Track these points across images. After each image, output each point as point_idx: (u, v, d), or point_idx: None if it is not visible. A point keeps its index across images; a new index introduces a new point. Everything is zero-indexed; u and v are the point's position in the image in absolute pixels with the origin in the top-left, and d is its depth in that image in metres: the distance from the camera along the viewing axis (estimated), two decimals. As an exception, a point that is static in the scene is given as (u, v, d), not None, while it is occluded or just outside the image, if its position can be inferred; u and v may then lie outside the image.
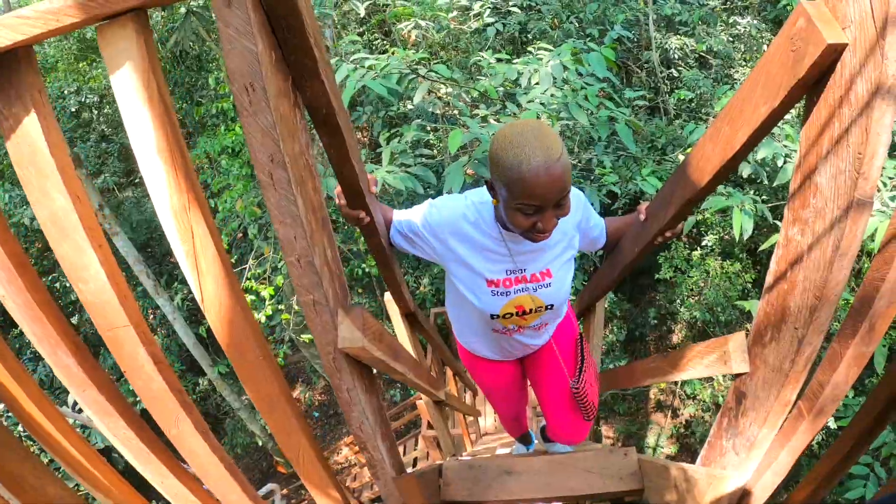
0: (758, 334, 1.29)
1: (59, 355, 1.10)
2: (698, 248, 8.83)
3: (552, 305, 1.86)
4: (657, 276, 9.04)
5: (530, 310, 1.85)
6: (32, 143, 1.02)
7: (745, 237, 4.10)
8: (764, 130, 1.15)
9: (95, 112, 13.46)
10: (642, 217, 1.77)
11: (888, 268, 1.15)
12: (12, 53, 0.96)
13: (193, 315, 10.93)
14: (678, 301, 9.29)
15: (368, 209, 1.49)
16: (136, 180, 13.79)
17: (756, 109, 1.12)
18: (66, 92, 12.32)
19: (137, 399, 1.17)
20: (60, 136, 1.08)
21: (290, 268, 1.00)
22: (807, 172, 1.10)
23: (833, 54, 1.01)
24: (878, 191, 3.89)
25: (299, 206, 0.94)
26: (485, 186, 1.61)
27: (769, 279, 1.24)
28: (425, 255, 1.78)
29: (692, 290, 8.88)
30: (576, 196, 1.77)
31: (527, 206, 1.39)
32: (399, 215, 1.79)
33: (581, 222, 1.85)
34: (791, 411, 1.37)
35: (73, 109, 12.61)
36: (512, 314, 1.84)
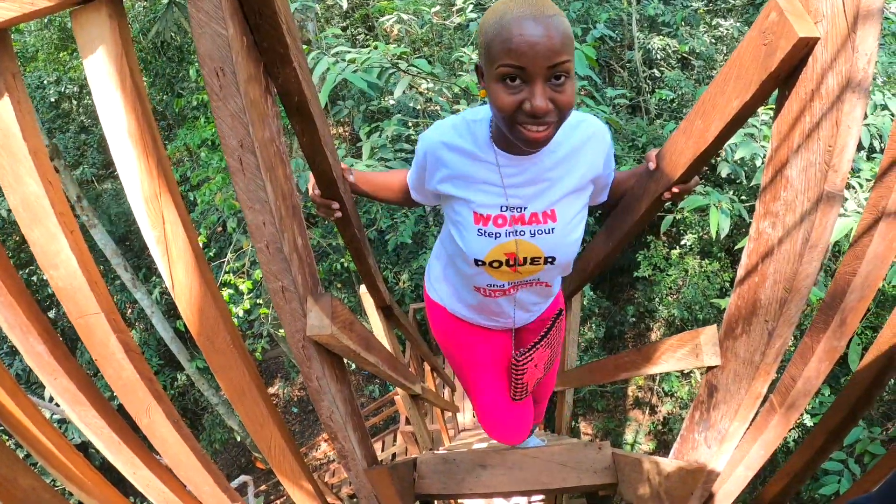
0: (729, 327, 1.30)
1: (31, 342, 1.09)
2: (677, 247, 8.93)
3: (553, 259, 1.52)
4: (636, 273, 9.15)
5: (524, 259, 1.52)
6: (6, 128, 1.00)
7: (723, 236, 4.15)
8: (737, 124, 1.16)
9: (75, 102, 13.32)
10: (652, 165, 1.45)
11: (859, 262, 1.17)
12: (-16, 36, 0.94)
13: (172, 309, 10.84)
14: (657, 299, 9.39)
15: (342, 199, 1.47)
16: (115, 172, 13.61)
17: (729, 103, 1.13)
18: (45, 82, 12.18)
19: (114, 394, 1.16)
20: (34, 120, 1.06)
21: (258, 254, 0.99)
22: (778, 166, 1.11)
23: (805, 48, 1.02)
24: (855, 192, 3.95)
25: (268, 192, 0.93)
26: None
27: (740, 272, 1.25)
28: (433, 198, 1.60)
29: (671, 288, 8.98)
30: (601, 130, 1.45)
31: (509, 71, 1.13)
32: (409, 175, 1.63)
33: (602, 172, 1.51)
34: (763, 405, 1.39)
35: (53, 100, 12.46)
36: (501, 263, 1.52)
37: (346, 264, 8.94)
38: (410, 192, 1.66)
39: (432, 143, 1.44)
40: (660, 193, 1.40)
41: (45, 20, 11.89)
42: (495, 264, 1.52)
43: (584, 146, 1.43)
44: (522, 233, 1.46)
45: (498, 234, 1.46)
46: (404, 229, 7.47)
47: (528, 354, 1.84)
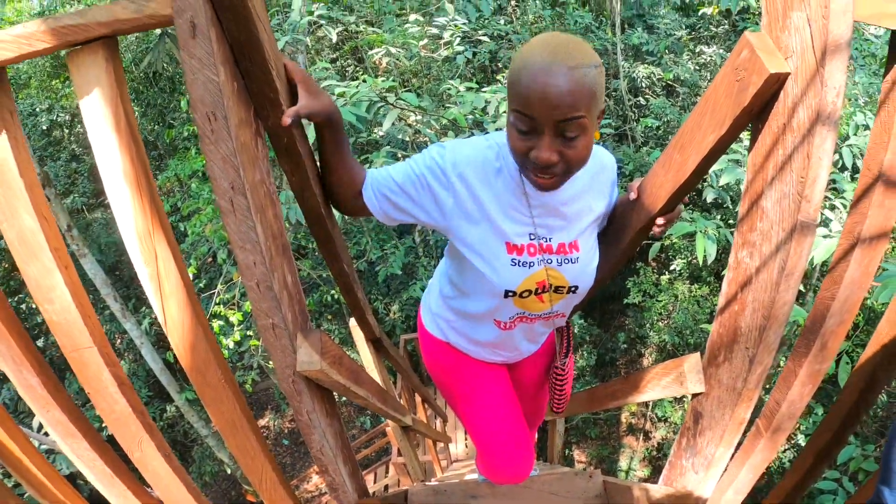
0: (712, 355, 1.33)
1: (24, 374, 1.11)
2: (666, 273, 8.98)
3: (576, 288, 1.49)
4: (626, 300, 9.18)
5: (550, 287, 1.47)
6: (2, 163, 1.03)
7: (710, 261, 4.20)
8: (713, 157, 1.20)
9: (67, 131, 13.33)
10: (633, 196, 1.47)
11: (837, 287, 1.21)
12: (-16, 74, 0.98)
13: (161, 340, 10.75)
14: (648, 325, 9.41)
15: (331, 233, 1.49)
16: (106, 201, 13.61)
17: (705, 137, 1.17)
18: (37, 109, 12.20)
19: (103, 425, 1.17)
20: (29, 156, 1.09)
21: (249, 292, 1.01)
22: (753, 197, 1.15)
23: (776, 83, 1.06)
24: (840, 213, 4.02)
25: (259, 232, 0.96)
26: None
27: (721, 301, 1.28)
28: (420, 214, 1.37)
29: (661, 314, 9.01)
30: (611, 162, 1.45)
31: (520, 118, 1.12)
32: (377, 171, 1.39)
33: (610, 202, 1.52)
34: (749, 429, 1.42)
35: (45, 127, 12.47)
36: (530, 293, 1.46)
37: (336, 296, 8.92)
38: (363, 194, 1.38)
39: (470, 159, 1.32)
40: (642, 225, 1.44)
41: (39, 46, 11.96)
42: (525, 294, 1.46)
43: (599, 177, 1.43)
44: (551, 261, 1.43)
45: (531, 264, 1.41)
46: (394, 260, 7.49)
47: (566, 361, 1.85)
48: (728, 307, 1.26)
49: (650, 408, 9.93)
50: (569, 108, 1.07)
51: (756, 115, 1.13)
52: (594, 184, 1.43)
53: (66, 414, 1.15)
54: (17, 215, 1.05)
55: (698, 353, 1.40)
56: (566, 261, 1.44)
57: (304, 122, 1.17)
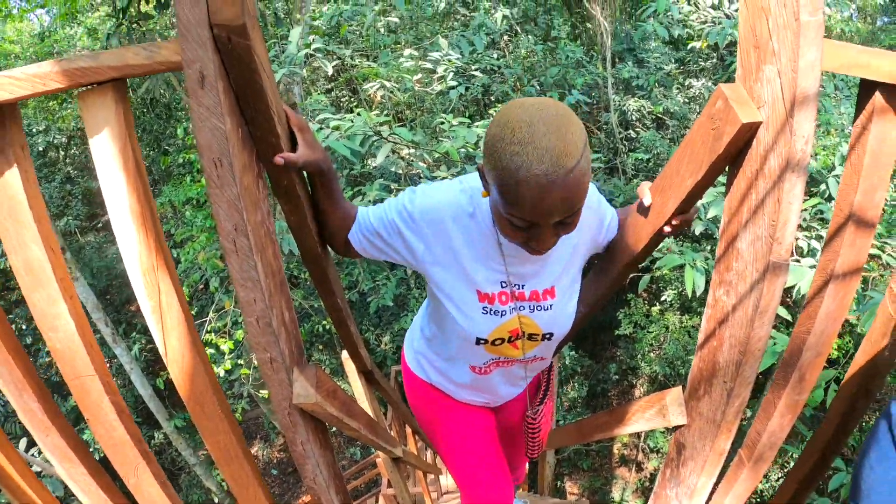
0: (693, 388, 1.38)
1: (25, 399, 1.13)
2: (657, 304, 9.04)
3: (550, 335, 1.48)
4: (617, 332, 9.22)
5: (524, 335, 1.47)
6: (12, 196, 1.07)
7: (700, 292, 4.26)
8: (691, 201, 1.26)
9: (62, 153, 13.35)
10: (647, 202, 1.37)
11: (812, 322, 1.27)
12: (-1, 109, 1.02)
13: (151, 366, 10.70)
14: (639, 356, 9.44)
15: (326, 271, 1.53)
16: (99, 225, 13.59)
17: (683, 182, 1.24)
18: (34, 130, 12.24)
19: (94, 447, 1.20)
20: (38, 189, 1.13)
21: (248, 328, 1.06)
22: (729, 239, 1.21)
23: (749, 132, 1.13)
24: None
25: (259, 270, 1.01)
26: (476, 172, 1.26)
27: (701, 337, 1.33)
28: (396, 257, 1.40)
29: (652, 344, 9.05)
30: (592, 204, 1.41)
31: (519, 220, 1.10)
32: (365, 210, 1.41)
33: (597, 235, 1.49)
34: (732, 459, 1.46)
35: (41, 149, 12.52)
36: (503, 340, 1.46)
37: (327, 326, 8.93)
38: (350, 230, 1.40)
39: (441, 205, 1.31)
40: (627, 261, 1.49)
41: (38, 66, 12.07)
42: (497, 342, 1.45)
43: (584, 220, 1.38)
44: (523, 308, 1.42)
45: (503, 312, 1.40)
46: (385, 292, 7.51)
47: (540, 410, 1.81)
48: (707, 343, 1.31)
49: (642, 439, 9.91)
50: (571, 208, 1.08)
51: (731, 161, 1.19)
52: (581, 227, 1.38)
53: (65, 439, 1.18)
54: (25, 246, 1.09)
55: (679, 387, 1.44)
56: (538, 308, 1.43)
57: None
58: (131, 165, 1.09)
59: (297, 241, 1.35)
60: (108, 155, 1.08)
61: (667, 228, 1.38)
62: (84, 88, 1.07)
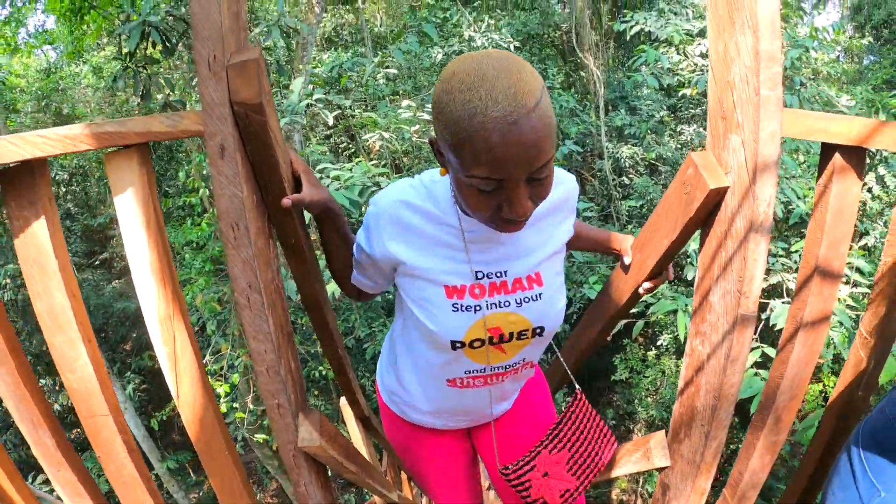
0: (675, 432, 1.45)
1: (40, 434, 1.20)
2: (653, 349, 9.07)
3: (542, 329, 1.30)
4: (613, 377, 9.22)
5: (510, 335, 1.28)
6: (39, 245, 1.16)
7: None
8: (668, 258, 1.36)
9: (63, 189, 13.42)
10: (627, 261, 1.39)
11: (785, 367, 1.36)
12: (30, 165, 1.12)
13: (144, 406, 10.61)
14: (636, 401, 9.42)
15: (327, 319, 1.61)
16: (97, 262, 13.57)
17: (660, 241, 1.34)
18: (36, 166, 12.31)
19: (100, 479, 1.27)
20: (62, 238, 1.22)
21: (259, 376, 1.14)
22: (703, 293, 1.31)
23: (717, 196, 1.23)
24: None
25: (270, 324, 1.10)
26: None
27: (680, 384, 1.42)
28: (382, 278, 1.35)
29: (648, 389, 9.05)
30: (574, 188, 1.31)
31: (484, 182, 0.95)
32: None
33: (567, 217, 1.35)
34: (717, 499, 1.53)
35: (41, 185, 12.54)
36: (483, 341, 1.26)
37: (322, 372, 8.91)
38: (353, 273, 1.39)
39: (390, 202, 1.22)
40: (612, 314, 1.59)
41: (42, 104, 12.31)
42: (476, 344, 1.27)
43: (564, 204, 1.30)
44: (508, 303, 1.25)
45: (478, 307, 1.23)
46: (382, 338, 7.53)
47: (526, 461, 1.40)
48: (686, 389, 1.40)
49: (640, 484, 9.82)
50: (541, 155, 0.93)
51: (702, 222, 1.30)
52: (560, 209, 1.31)
53: (76, 474, 1.24)
54: (49, 292, 1.17)
55: (663, 431, 1.52)
56: (527, 298, 1.26)
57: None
58: (153, 223, 1.19)
59: (300, 291, 1.45)
60: (131, 213, 1.18)
61: (642, 290, 1.41)
62: (111, 150, 1.18)
